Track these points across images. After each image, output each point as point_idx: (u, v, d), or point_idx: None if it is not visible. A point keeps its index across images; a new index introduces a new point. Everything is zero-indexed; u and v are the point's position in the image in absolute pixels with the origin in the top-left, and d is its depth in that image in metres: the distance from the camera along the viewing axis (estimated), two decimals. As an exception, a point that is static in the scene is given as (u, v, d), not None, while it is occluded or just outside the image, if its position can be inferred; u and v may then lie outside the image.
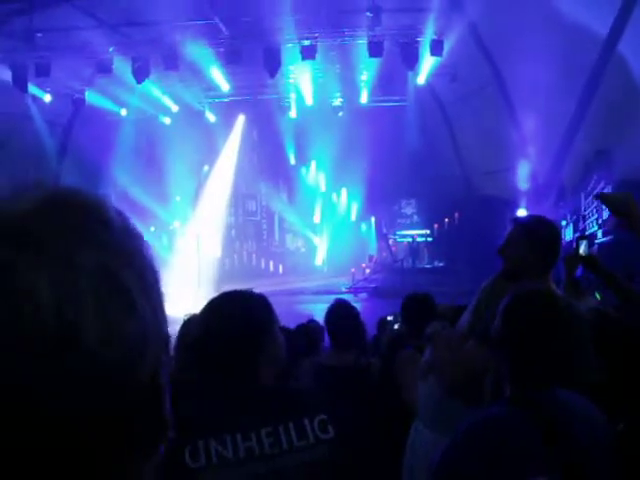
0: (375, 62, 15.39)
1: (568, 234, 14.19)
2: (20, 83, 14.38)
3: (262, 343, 1.84)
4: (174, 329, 3.17)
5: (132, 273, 0.52)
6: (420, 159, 18.97)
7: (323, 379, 3.37)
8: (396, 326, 5.30)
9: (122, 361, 0.50)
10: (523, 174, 15.54)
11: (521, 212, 14.84)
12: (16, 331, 0.46)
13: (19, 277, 0.47)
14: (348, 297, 17.49)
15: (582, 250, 2.89)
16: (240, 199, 23.87)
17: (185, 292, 17.64)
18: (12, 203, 0.52)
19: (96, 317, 0.48)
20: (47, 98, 16.17)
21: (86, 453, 0.49)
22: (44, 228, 0.50)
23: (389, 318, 5.93)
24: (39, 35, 13.27)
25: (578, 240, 2.95)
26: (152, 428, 0.55)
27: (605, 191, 11.62)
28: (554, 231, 2.78)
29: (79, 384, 0.48)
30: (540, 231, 2.69)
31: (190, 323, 3.00)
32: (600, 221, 13.44)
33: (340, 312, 3.70)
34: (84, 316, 0.48)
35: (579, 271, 3.13)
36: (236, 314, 1.83)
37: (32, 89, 15.30)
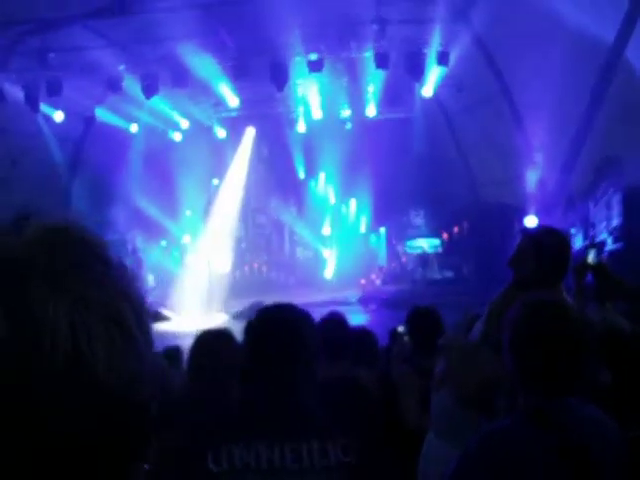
0: (382, 74, 15.46)
1: (577, 242, 14.12)
2: (32, 102, 14.56)
3: (304, 361, 1.90)
4: (187, 343, 3.21)
5: (129, 307, 0.58)
6: (428, 170, 18.97)
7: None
8: (407, 338, 5.29)
9: (124, 386, 0.56)
10: (531, 182, 15.50)
11: (530, 220, 14.79)
12: (35, 360, 0.52)
13: (38, 310, 0.53)
14: (358, 308, 17.51)
15: (591, 259, 2.91)
16: (250, 212, 23.93)
17: (196, 305, 17.70)
18: (15, 237, 0.57)
19: (105, 348, 0.54)
20: (59, 116, 16.34)
21: (80, 463, 0.54)
22: (53, 264, 0.55)
23: (400, 329, 5.92)
24: (51, 55, 13.46)
25: (587, 249, 2.97)
26: (140, 444, 0.61)
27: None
28: (563, 242, 2.80)
29: (86, 406, 0.54)
30: (549, 242, 2.71)
31: (218, 337, 3.07)
32: (610, 228, 13.38)
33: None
34: (96, 348, 0.54)
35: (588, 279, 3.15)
36: (282, 332, 1.90)
37: (44, 108, 15.49)
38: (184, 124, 19.78)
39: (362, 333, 4.33)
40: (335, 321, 3.62)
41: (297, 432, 1.81)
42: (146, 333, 0.60)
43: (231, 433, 1.79)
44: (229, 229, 22.08)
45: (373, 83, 16.85)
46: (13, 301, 0.52)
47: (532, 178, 15.34)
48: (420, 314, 3.79)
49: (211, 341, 3.03)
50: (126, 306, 0.58)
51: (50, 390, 0.52)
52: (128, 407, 0.57)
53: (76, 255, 0.57)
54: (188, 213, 22.01)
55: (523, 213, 15.27)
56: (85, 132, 18.53)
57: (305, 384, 1.91)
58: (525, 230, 2.94)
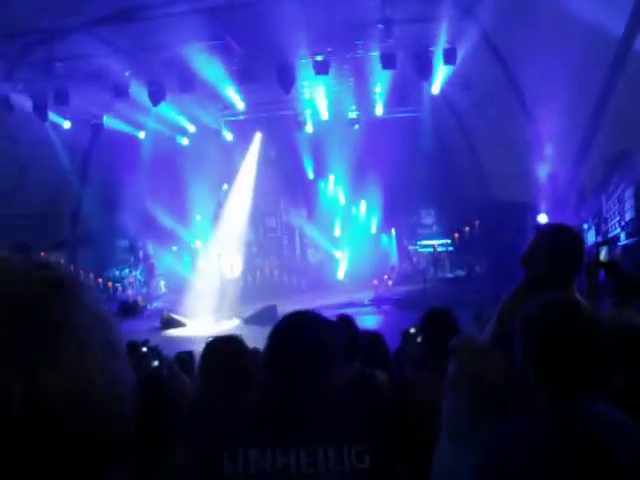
0: (389, 74, 15.42)
1: (590, 237, 13.98)
2: (40, 111, 14.67)
3: (323, 367, 1.91)
4: (201, 348, 3.21)
5: (117, 334, 0.65)
6: (437, 168, 18.90)
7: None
8: (419, 339, 5.26)
9: (119, 405, 0.64)
10: (542, 178, 15.40)
11: (541, 217, 14.69)
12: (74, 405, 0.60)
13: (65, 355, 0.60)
14: (371, 309, 17.47)
15: (603, 256, 2.87)
16: (260, 216, 23.94)
17: (208, 310, 17.74)
18: (15, 271, 0.63)
19: (112, 379, 0.63)
20: (67, 124, 16.48)
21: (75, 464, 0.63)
22: (59, 312, 0.61)
23: (412, 330, 5.89)
24: (58, 64, 13.54)
25: (598, 246, 2.94)
26: (123, 447, 0.69)
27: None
28: (576, 239, 2.77)
29: (91, 418, 0.61)
30: (562, 240, 2.68)
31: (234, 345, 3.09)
32: (623, 223, 13.23)
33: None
34: (107, 380, 0.62)
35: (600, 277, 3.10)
36: (302, 338, 1.92)
37: (52, 116, 15.59)
38: (191, 129, 19.86)
39: (371, 336, 4.30)
40: (345, 324, 3.63)
41: (314, 437, 1.82)
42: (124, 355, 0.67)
43: (247, 437, 1.81)
44: (239, 233, 22.11)
45: (380, 83, 16.81)
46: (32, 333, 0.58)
47: (543, 173, 15.24)
48: (433, 315, 3.75)
49: (221, 347, 3.09)
50: (116, 333, 0.65)
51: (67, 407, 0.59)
52: (119, 419, 0.65)
53: (72, 292, 0.63)
54: (198, 218, 22.09)
55: (535, 209, 15.18)
56: (93, 139, 18.63)
57: (324, 389, 1.92)
58: (538, 227, 2.91)
